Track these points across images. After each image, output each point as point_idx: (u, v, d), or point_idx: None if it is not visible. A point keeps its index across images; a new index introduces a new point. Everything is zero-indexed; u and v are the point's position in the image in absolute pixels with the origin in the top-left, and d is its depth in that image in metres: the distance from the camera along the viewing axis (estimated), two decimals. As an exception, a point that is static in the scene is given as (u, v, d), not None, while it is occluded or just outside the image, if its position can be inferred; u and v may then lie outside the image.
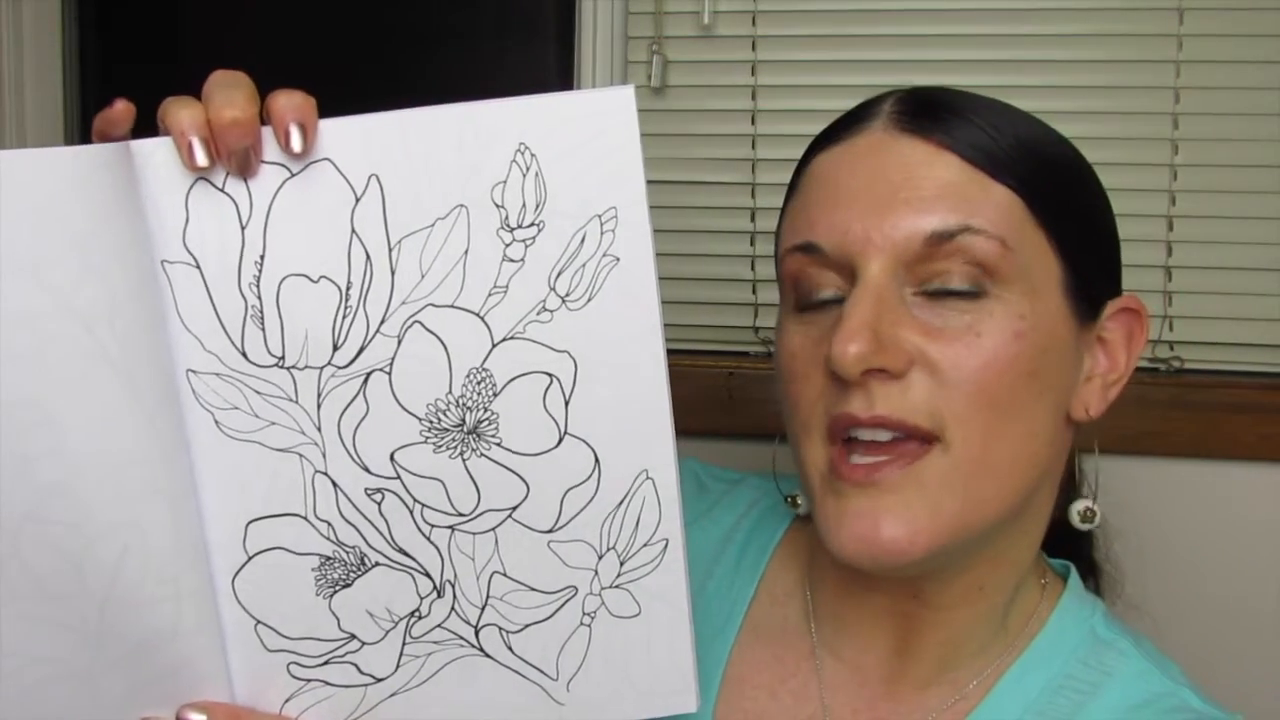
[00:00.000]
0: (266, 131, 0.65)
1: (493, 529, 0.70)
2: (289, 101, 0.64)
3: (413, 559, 0.70)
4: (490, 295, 0.67)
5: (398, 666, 0.72)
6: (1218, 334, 1.35)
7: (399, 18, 1.54)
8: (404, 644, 0.71)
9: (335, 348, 0.67)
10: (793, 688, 0.88)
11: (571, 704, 0.73)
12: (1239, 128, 1.32)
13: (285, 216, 0.66)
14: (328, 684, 0.72)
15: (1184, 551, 1.30)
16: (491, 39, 1.54)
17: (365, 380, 0.68)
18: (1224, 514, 1.30)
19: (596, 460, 0.70)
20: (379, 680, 0.72)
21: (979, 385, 0.75)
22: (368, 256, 0.66)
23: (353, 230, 0.66)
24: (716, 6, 1.39)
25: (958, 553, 0.79)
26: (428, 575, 0.71)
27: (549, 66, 1.53)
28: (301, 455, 0.68)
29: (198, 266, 0.66)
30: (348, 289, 0.67)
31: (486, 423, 0.69)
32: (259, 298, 0.66)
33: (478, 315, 0.67)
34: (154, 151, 0.65)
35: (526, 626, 0.72)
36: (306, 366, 0.67)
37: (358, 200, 0.66)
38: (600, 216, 0.67)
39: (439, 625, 0.71)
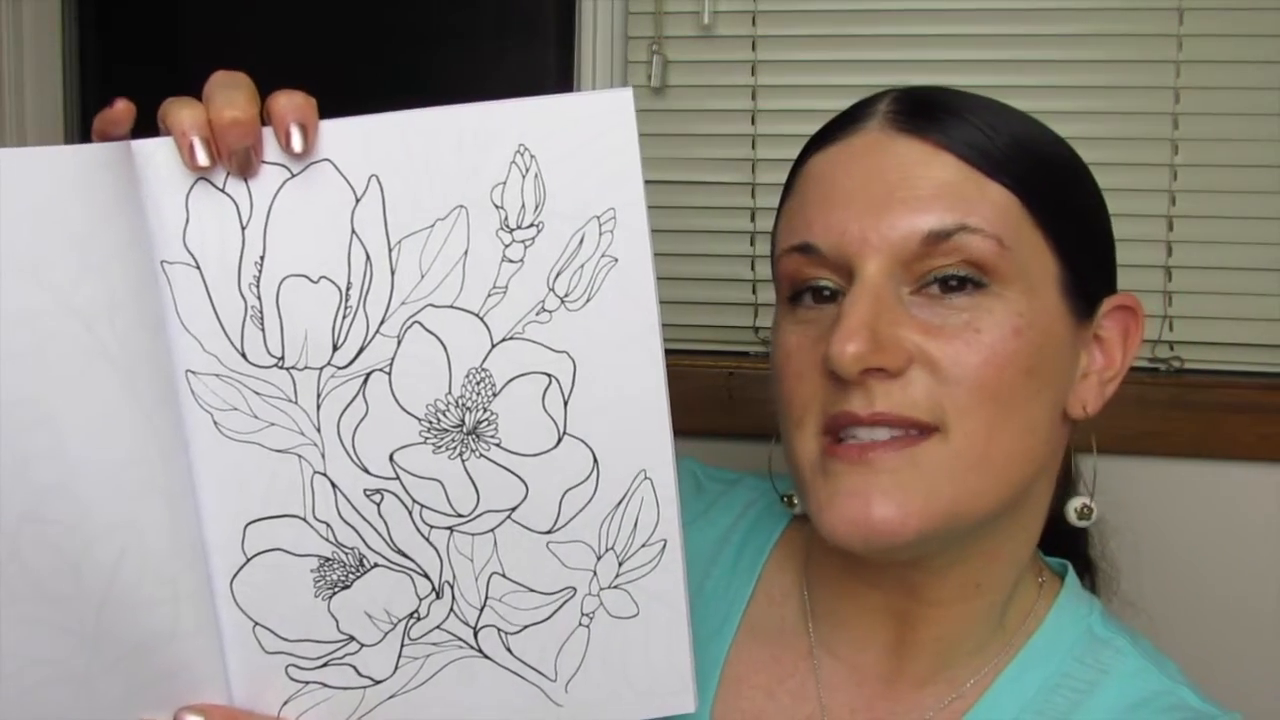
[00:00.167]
0: (267, 132, 0.65)
1: (492, 530, 0.70)
2: (290, 102, 0.65)
3: (412, 560, 0.70)
4: (489, 296, 0.67)
5: (396, 668, 0.72)
6: (1218, 334, 1.35)
7: (399, 18, 1.54)
8: (403, 645, 0.71)
9: (335, 348, 0.67)
10: (790, 687, 0.88)
11: (570, 705, 0.73)
12: (1239, 128, 1.32)
13: (285, 217, 0.66)
14: (326, 686, 0.72)
15: (1184, 551, 1.30)
16: (491, 39, 1.54)
17: (365, 381, 0.68)
18: (1224, 514, 1.30)
19: (595, 461, 0.70)
20: (378, 682, 0.72)
21: (979, 381, 0.75)
22: (368, 257, 0.66)
23: (353, 231, 0.66)
24: (716, 6, 1.39)
25: (950, 543, 0.79)
26: (426, 576, 0.71)
27: (549, 67, 1.53)
28: (300, 456, 0.68)
29: (198, 267, 0.66)
30: (348, 289, 0.67)
31: (486, 423, 0.69)
32: (259, 298, 0.66)
33: (477, 316, 0.67)
34: (155, 151, 0.65)
35: (525, 627, 0.72)
36: (306, 367, 0.67)
37: (358, 201, 0.66)
38: (599, 218, 0.67)
39: (438, 627, 0.71)
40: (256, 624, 0.70)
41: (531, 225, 0.67)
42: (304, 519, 0.69)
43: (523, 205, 0.66)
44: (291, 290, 0.66)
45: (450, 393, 0.68)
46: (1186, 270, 1.34)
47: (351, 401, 0.68)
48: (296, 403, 0.68)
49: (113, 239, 0.64)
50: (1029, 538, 0.85)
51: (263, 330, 0.67)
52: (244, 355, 0.67)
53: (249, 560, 0.69)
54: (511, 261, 0.67)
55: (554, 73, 1.53)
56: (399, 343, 0.67)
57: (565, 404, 0.69)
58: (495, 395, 0.68)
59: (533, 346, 0.68)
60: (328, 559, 0.70)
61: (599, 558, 0.71)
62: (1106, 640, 0.85)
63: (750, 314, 1.42)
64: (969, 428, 0.76)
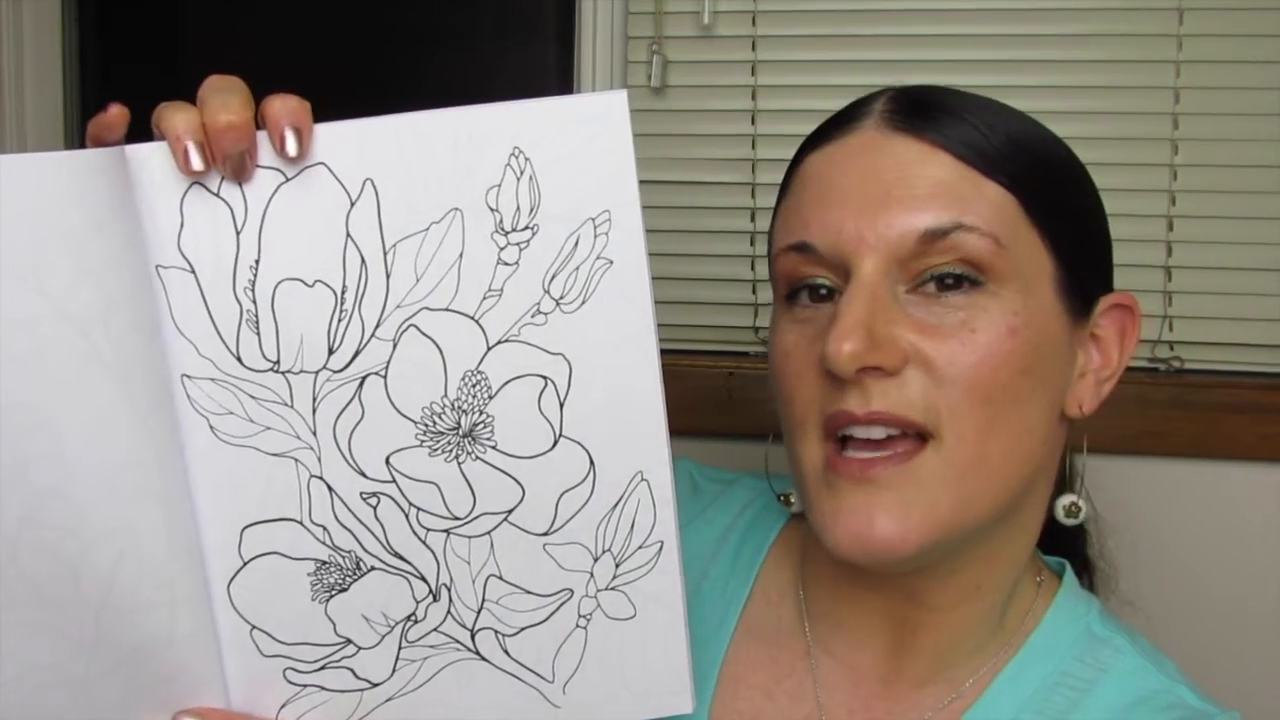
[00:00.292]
0: (262, 136, 0.65)
1: (488, 532, 0.70)
2: (284, 106, 0.65)
3: (408, 563, 0.70)
4: (485, 298, 0.67)
5: (394, 671, 0.72)
6: (1217, 334, 1.34)
7: (399, 18, 1.55)
8: (400, 648, 0.71)
9: (330, 352, 0.67)
10: (788, 688, 0.88)
11: (568, 706, 0.73)
12: (1239, 128, 1.32)
13: (280, 221, 0.66)
14: (324, 689, 0.72)
15: (1183, 551, 1.30)
16: (491, 39, 1.54)
17: (361, 384, 0.68)
18: (1223, 514, 1.30)
19: (591, 462, 0.70)
20: (375, 685, 0.72)
21: (974, 381, 0.75)
22: (363, 260, 0.66)
23: (348, 234, 0.66)
24: (716, 6, 1.39)
25: (951, 550, 0.80)
26: (423, 579, 0.71)
27: (549, 67, 1.53)
28: (297, 460, 0.68)
29: (192, 271, 0.66)
30: (343, 293, 0.67)
31: (482, 426, 0.69)
32: (254, 302, 0.66)
33: (472, 318, 0.67)
34: (149, 156, 0.65)
35: (522, 629, 0.72)
36: (302, 371, 0.67)
37: (353, 204, 0.66)
38: (594, 219, 0.67)
39: (435, 629, 0.71)
40: (254, 627, 0.70)
41: (526, 228, 0.67)
42: (300, 522, 0.69)
43: (517, 208, 0.66)
44: (287, 294, 0.66)
45: (446, 396, 0.68)
46: (1186, 270, 1.34)
47: (347, 405, 0.68)
48: (292, 406, 0.68)
49: (107, 244, 0.64)
50: (1028, 538, 0.85)
51: (258, 334, 0.67)
52: (239, 359, 0.67)
53: (246, 564, 0.69)
54: (506, 264, 0.67)
55: (554, 73, 1.53)
56: (394, 346, 0.67)
57: (561, 406, 0.69)
58: (491, 398, 0.68)
59: (528, 349, 0.68)
60: (325, 562, 0.70)
61: (596, 559, 0.71)
62: (1105, 639, 0.85)
63: (750, 314, 1.42)
64: (961, 431, 0.76)
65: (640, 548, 0.71)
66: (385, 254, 0.66)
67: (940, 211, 0.76)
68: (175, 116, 0.64)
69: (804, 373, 0.79)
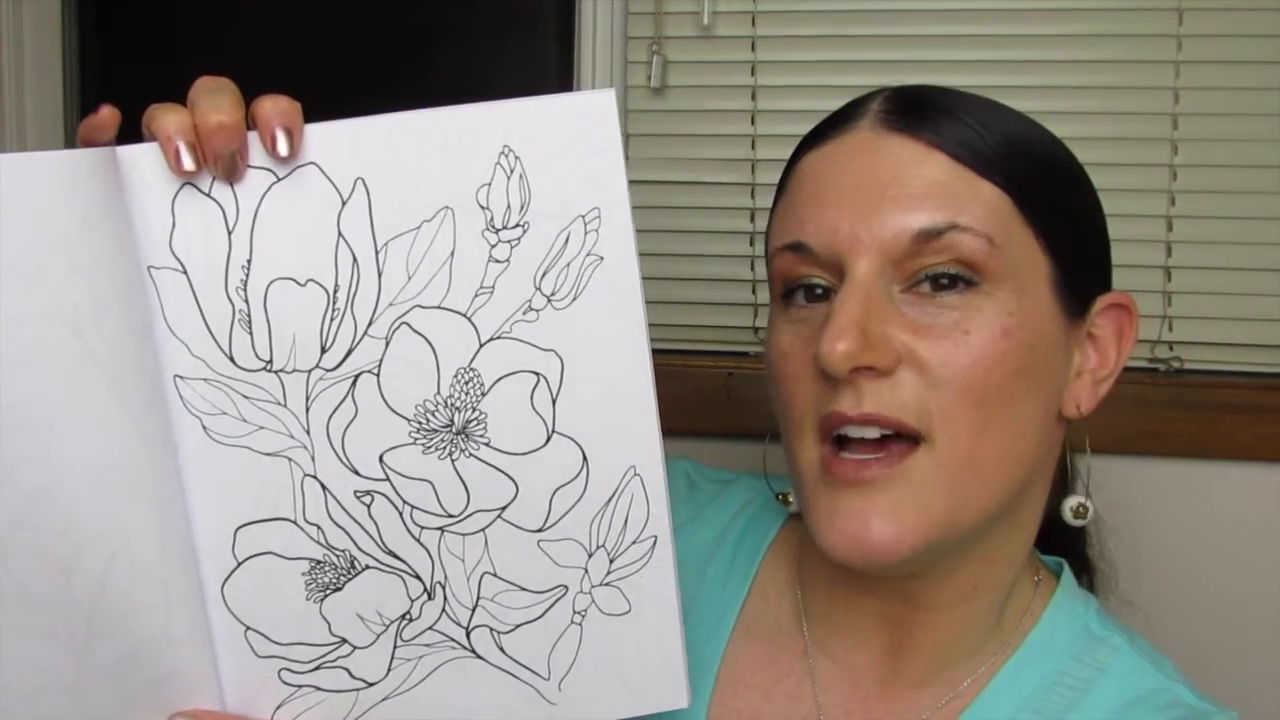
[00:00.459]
0: (252, 136, 0.65)
1: (482, 529, 0.70)
2: (275, 106, 0.65)
3: (403, 561, 0.70)
4: (477, 296, 0.67)
5: (389, 670, 0.72)
6: (1217, 334, 1.34)
7: (399, 18, 1.55)
8: (395, 647, 0.72)
9: (323, 350, 0.67)
10: (786, 688, 0.88)
11: (564, 703, 0.73)
12: (1239, 128, 1.32)
13: (272, 220, 0.66)
14: (319, 689, 0.72)
15: (1182, 551, 1.30)
16: (491, 39, 1.54)
17: (353, 382, 0.68)
18: (1222, 514, 1.30)
19: (584, 458, 0.70)
20: (371, 684, 0.72)
21: (967, 383, 0.75)
22: (354, 259, 0.67)
23: (339, 233, 0.66)
24: (716, 6, 1.39)
25: (947, 551, 0.79)
26: (418, 577, 0.71)
27: (549, 66, 1.53)
28: (290, 459, 0.68)
29: (184, 271, 0.66)
30: (335, 292, 0.67)
31: (475, 423, 0.69)
32: (246, 302, 0.66)
33: (464, 316, 0.68)
34: (140, 157, 0.65)
35: (517, 627, 0.72)
36: (294, 370, 0.67)
37: (344, 203, 0.66)
38: (584, 217, 0.67)
39: (430, 628, 0.71)
40: (248, 628, 0.70)
41: (517, 225, 0.67)
42: (294, 522, 0.69)
43: (508, 206, 0.67)
44: (279, 293, 0.66)
45: (439, 393, 0.68)
46: (1186, 270, 1.34)
47: (340, 403, 0.68)
48: (285, 406, 0.68)
49: (99, 244, 0.64)
50: (1026, 538, 0.85)
51: (250, 334, 0.67)
52: (232, 359, 0.67)
53: (240, 564, 0.69)
54: (498, 261, 0.67)
55: (554, 73, 1.53)
56: (387, 344, 0.67)
57: (554, 402, 0.69)
58: (484, 395, 0.68)
59: (520, 345, 0.68)
60: (319, 562, 0.70)
61: (590, 555, 0.71)
62: (1103, 638, 0.85)
63: (749, 314, 1.42)
64: (953, 433, 0.76)
65: (634, 543, 0.71)
66: (377, 253, 0.67)
67: (935, 211, 0.76)
68: (166, 117, 0.64)
69: (800, 373, 0.79)
